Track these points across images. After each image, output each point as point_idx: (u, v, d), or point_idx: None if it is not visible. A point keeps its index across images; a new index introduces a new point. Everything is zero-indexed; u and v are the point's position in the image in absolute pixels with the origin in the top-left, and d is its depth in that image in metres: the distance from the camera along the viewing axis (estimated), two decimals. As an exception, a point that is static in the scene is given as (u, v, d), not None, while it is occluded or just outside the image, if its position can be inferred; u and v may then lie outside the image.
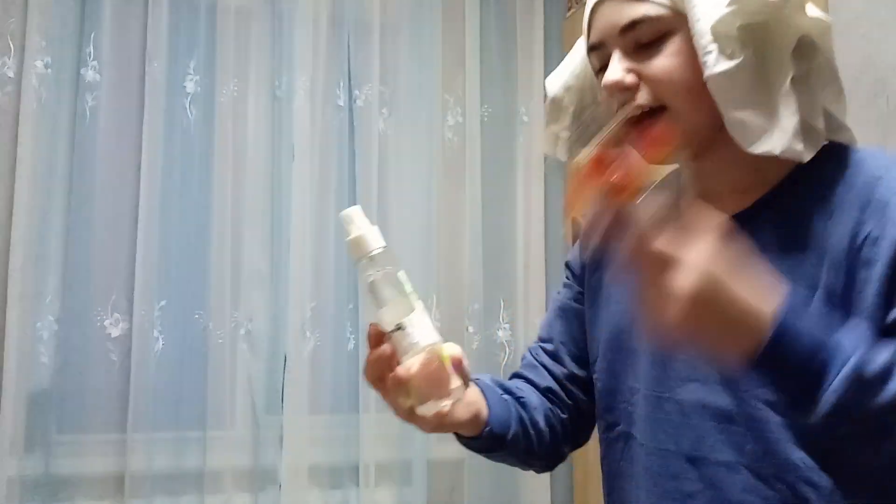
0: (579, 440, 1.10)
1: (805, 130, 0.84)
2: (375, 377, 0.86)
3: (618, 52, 0.87)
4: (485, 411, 0.95)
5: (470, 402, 0.93)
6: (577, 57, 1.00)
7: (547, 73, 1.09)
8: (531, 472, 1.18)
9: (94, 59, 2.21)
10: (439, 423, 0.87)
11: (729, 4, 0.81)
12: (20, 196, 2.09)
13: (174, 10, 2.30)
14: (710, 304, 0.70)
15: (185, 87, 2.30)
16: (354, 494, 2.32)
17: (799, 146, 0.83)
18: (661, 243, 0.70)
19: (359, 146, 2.45)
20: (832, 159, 0.86)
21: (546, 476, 2.49)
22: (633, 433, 0.95)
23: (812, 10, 0.84)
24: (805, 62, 0.86)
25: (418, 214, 2.49)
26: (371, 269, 0.83)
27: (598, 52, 0.90)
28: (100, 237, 2.19)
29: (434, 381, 0.82)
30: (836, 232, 0.81)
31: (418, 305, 0.83)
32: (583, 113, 1.00)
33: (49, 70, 2.16)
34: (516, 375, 1.11)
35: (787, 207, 0.86)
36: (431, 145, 2.53)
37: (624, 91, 0.86)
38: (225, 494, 2.22)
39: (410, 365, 0.81)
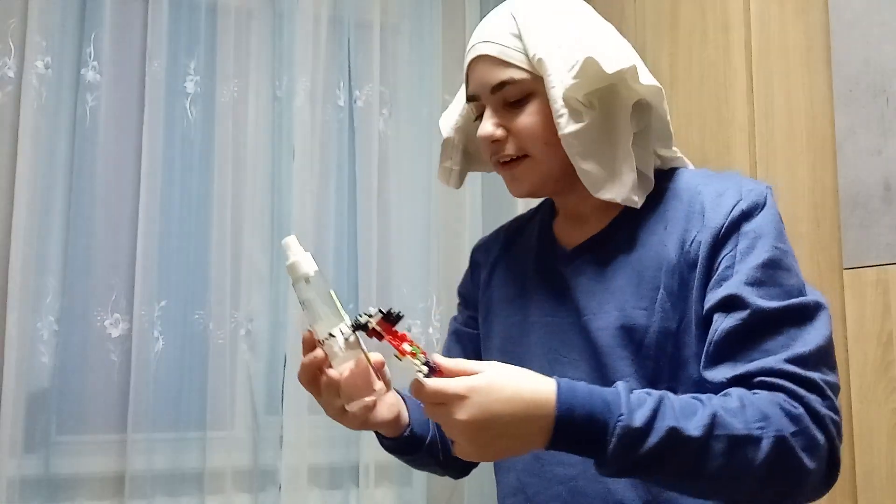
0: (461, 472, 1.23)
1: (640, 180, 1.02)
2: (308, 379, 0.96)
3: (489, 109, 1.03)
4: (405, 414, 1.08)
5: (392, 403, 1.05)
6: (462, 99, 1.13)
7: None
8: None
9: (94, 59, 2.21)
10: (365, 421, 0.99)
11: (574, 77, 0.96)
12: (20, 196, 2.09)
13: (174, 10, 2.30)
14: (487, 421, 0.80)
15: (185, 87, 2.30)
16: (354, 494, 2.32)
17: (634, 196, 1.00)
18: (433, 386, 0.82)
19: (359, 146, 2.45)
20: (665, 180, 1.04)
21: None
22: None
23: (645, 79, 0.99)
24: (643, 119, 1.03)
25: (418, 214, 2.49)
26: (306, 289, 0.94)
27: (475, 103, 1.06)
28: (100, 237, 2.19)
29: (360, 381, 0.96)
30: (671, 240, 0.98)
31: (346, 319, 0.93)
32: (469, 147, 1.15)
33: (49, 70, 2.16)
34: None
35: (635, 224, 1.02)
36: (431, 145, 2.53)
37: (494, 143, 1.02)
38: (225, 495, 2.22)
39: (342, 369, 0.94)
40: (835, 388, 0.89)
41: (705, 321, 0.93)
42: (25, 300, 2.08)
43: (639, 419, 0.80)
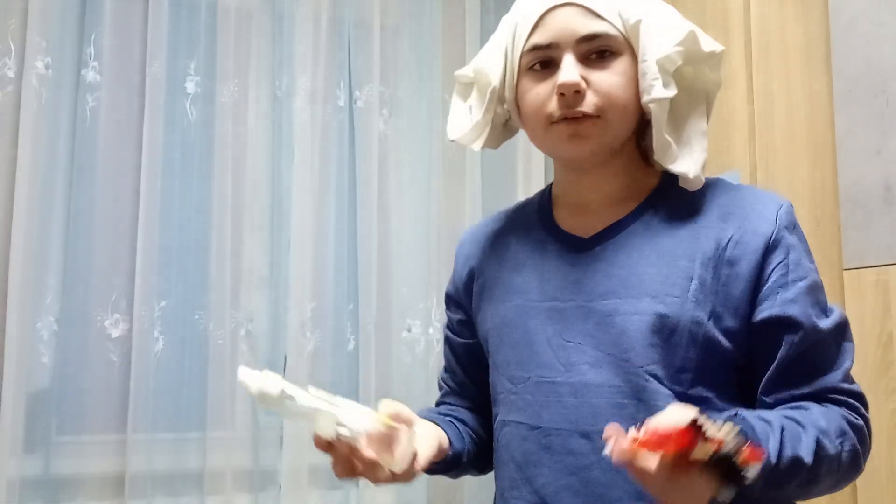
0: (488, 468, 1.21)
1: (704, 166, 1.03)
2: (347, 472, 0.95)
3: (572, 57, 0.98)
4: (443, 435, 1.08)
5: (430, 436, 1.04)
6: (502, 52, 1.07)
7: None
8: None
9: (94, 60, 2.21)
10: (415, 468, 0.98)
11: (677, 45, 0.97)
12: (20, 196, 2.08)
13: (174, 10, 2.30)
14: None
15: (185, 87, 2.30)
16: (354, 495, 2.32)
17: (701, 178, 1.01)
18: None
19: (359, 146, 2.45)
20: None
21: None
22: (516, 420, 1.05)
23: (720, 70, 1.03)
24: (707, 111, 1.04)
25: (418, 214, 2.49)
26: (291, 405, 0.91)
27: (545, 51, 1.00)
28: (100, 237, 2.19)
29: (391, 443, 0.94)
30: (705, 234, 0.98)
31: (339, 402, 0.93)
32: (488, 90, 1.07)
33: (49, 70, 2.16)
34: (441, 403, 1.25)
35: (660, 215, 1.02)
36: (431, 145, 2.53)
37: (574, 94, 0.97)
38: (225, 495, 2.22)
39: (372, 450, 0.92)
40: None
41: (755, 327, 0.96)
42: (25, 300, 2.08)
43: (773, 452, 0.86)
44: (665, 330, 0.95)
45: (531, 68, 1.01)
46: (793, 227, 0.99)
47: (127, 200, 2.23)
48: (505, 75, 1.05)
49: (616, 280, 1.00)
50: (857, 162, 1.56)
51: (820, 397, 0.95)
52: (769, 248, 0.96)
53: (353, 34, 2.49)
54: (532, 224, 1.13)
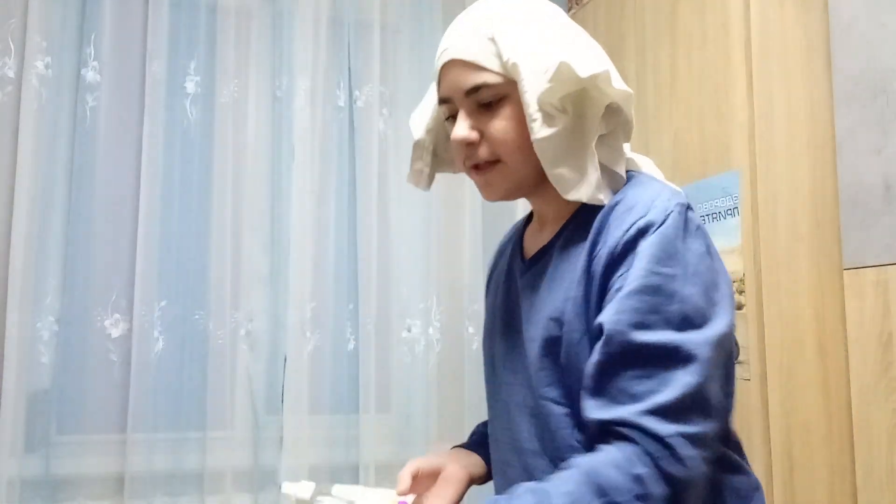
0: None
1: (608, 176, 1.03)
2: None
3: (463, 112, 1.03)
4: (480, 463, 1.18)
5: (476, 463, 1.17)
6: (433, 100, 1.14)
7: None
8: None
9: (94, 60, 2.21)
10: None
11: (549, 81, 0.97)
12: (20, 196, 2.09)
13: (174, 10, 2.30)
14: None
15: (185, 87, 2.30)
16: (354, 495, 2.32)
17: (600, 194, 1.00)
18: None
19: (359, 146, 2.45)
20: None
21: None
22: (490, 420, 1.17)
23: (617, 83, 1.00)
24: (613, 121, 1.03)
25: (418, 214, 2.49)
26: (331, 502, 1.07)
27: (448, 105, 1.06)
28: (100, 237, 2.19)
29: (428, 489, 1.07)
30: (584, 252, 0.99)
31: (358, 491, 1.09)
32: (437, 149, 1.16)
33: (49, 70, 2.16)
34: None
35: (571, 234, 1.04)
36: (431, 145, 2.52)
37: (469, 146, 1.03)
38: (225, 495, 2.22)
39: None
40: (700, 438, 0.87)
41: (591, 342, 0.94)
42: (25, 300, 2.08)
43: None
44: (553, 352, 0.99)
45: (447, 118, 1.08)
46: (650, 231, 0.92)
47: (127, 200, 2.23)
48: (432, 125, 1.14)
49: (528, 306, 1.06)
50: (857, 162, 1.56)
51: (613, 428, 0.88)
52: (614, 260, 0.94)
53: (353, 34, 2.49)
54: (513, 244, 1.21)
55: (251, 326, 2.30)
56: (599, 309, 0.94)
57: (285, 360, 2.30)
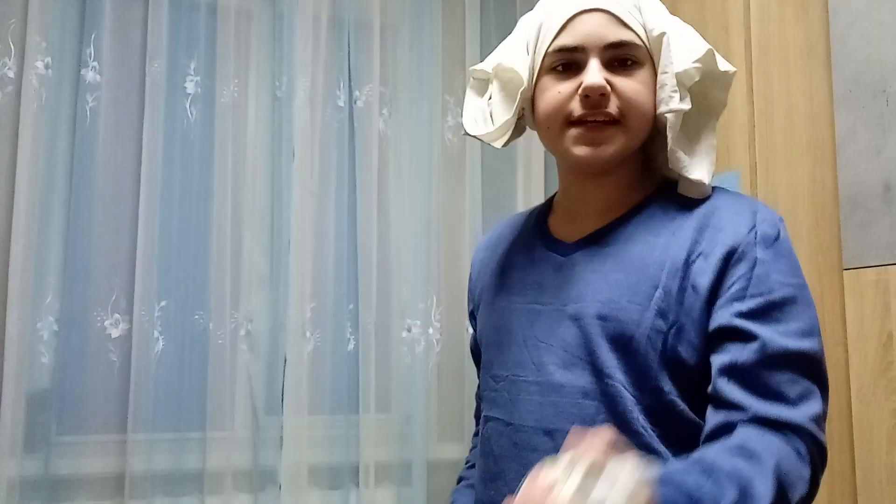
0: None
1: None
2: None
3: (597, 62, 1.00)
4: None
5: None
6: (521, 52, 1.09)
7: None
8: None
9: (94, 60, 2.21)
10: None
11: (696, 61, 1.01)
12: (20, 196, 2.08)
13: (174, 11, 2.30)
14: None
15: (185, 87, 2.30)
16: (354, 495, 2.32)
17: (708, 188, 1.04)
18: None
19: (359, 146, 2.45)
20: (672, 191, 1.07)
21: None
22: (496, 416, 1.09)
23: (728, 92, 1.07)
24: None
25: (418, 214, 2.49)
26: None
27: (570, 54, 1.02)
28: (100, 237, 2.19)
29: None
30: (679, 245, 0.99)
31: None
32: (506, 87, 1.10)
33: (49, 70, 2.16)
34: (477, 416, 1.26)
35: (640, 225, 1.04)
36: (431, 145, 2.53)
37: (600, 96, 0.99)
38: (225, 495, 2.22)
39: None
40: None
41: (710, 339, 0.96)
42: (25, 300, 2.08)
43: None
44: (625, 336, 0.98)
45: (554, 69, 1.03)
46: (769, 242, 0.97)
47: (127, 200, 2.23)
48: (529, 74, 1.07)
49: (587, 285, 1.02)
50: (857, 162, 1.56)
51: (768, 424, 0.90)
52: (732, 262, 0.96)
53: (353, 34, 2.49)
54: (529, 229, 1.17)
55: (251, 326, 2.30)
56: (710, 304, 0.96)
57: (285, 360, 2.30)
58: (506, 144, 1.13)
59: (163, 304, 2.22)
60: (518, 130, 1.14)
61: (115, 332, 2.19)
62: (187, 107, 2.30)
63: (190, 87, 2.30)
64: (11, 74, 2.14)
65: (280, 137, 2.37)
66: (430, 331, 2.48)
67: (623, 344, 0.98)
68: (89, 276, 2.17)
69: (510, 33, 1.16)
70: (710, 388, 0.95)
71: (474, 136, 1.11)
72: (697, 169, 1.03)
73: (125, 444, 2.13)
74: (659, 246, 1.01)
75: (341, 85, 2.47)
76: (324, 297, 2.36)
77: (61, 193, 2.16)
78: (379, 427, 2.34)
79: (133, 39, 2.29)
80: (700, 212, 1.02)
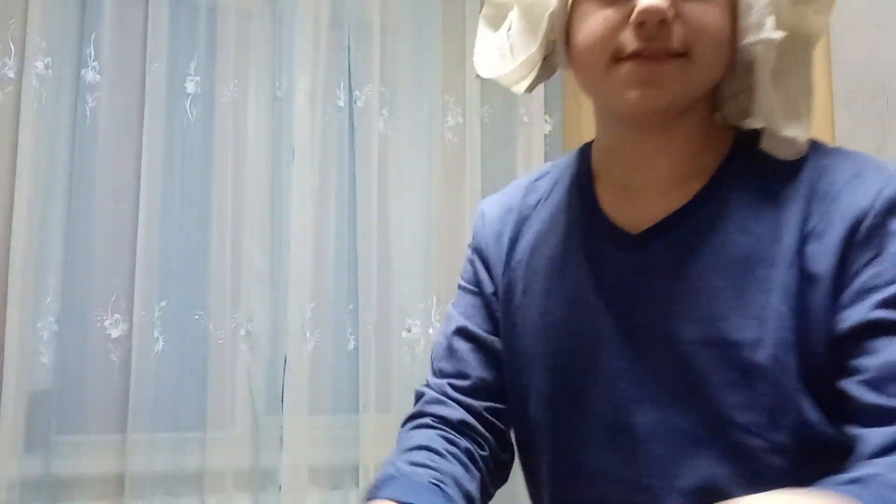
0: (502, 479, 1.00)
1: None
2: None
3: None
4: None
5: None
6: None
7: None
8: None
9: (94, 60, 2.21)
10: None
11: None
12: (20, 196, 2.08)
13: (174, 11, 2.30)
14: None
15: (185, 87, 2.30)
16: (354, 495, 2.32)
17: (805, 146, 0.79)
18: None
19: (359, 147, 2.45)
20: (753, 149, 0.81)
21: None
22: (554, 460, 0.88)
23: (829, 14, 0.81)
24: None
25: (418, 214, 2.49)
26: None
27: None
28: (100, 237, 2.19)
29: None
30: (787, 228, 0.76)
31: None
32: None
33: (49, 70, 2.16)
34: (420, 415, 0.95)
35: (730, 203, 0.79)
36: (431, 145, 2.52)
37: (659, 23, 0.73)
38: (225, 495, 2.22)
39: None
40: None
41: (840, 341, 0.73)
42: (25, 300, 2.08)
43: None
44: (742, 362, 0.74)
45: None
46: None
47: (127, 200, 2.23)
48: None
49: (678, 297, 0.78)
50: (857, 162, 1.56)
51: None
52: (857, 241, 0.73)
53: (353, 34, 2.49)
54: (572, 207, 0.89)
55: (251, 326, 2.30)
56: (833, 298, 0.73)
57: (285, 360, 2.30)
58: (530, 89, 0.86)
59: (163, 304, 2.22)
60: (547, 70, 0.87)
61: (115, 333, 2.19)
62: (187, 107, 2.30)
63: (190, 87, 2.30)
64: (11, 74, 2.14)
65: (280, 137, 2.37)
66: (430, 331, 2.47)
67: (740, 374, 0.74)
68: (89, 276, 2.17)
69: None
70: (858, 399, 0.70)
71: (489, 79, 0.87)
72: (793, 121, 0.78)
73: (125, 444, 2.13)
74: (764, 232, 0.77)
75: (341, 85, 2.47)
76: (324, 298, 2.36)
77: (61, 193, 2.16)
78: (379, 427, 2.34)
79: (133, 39, 2.29)
80: (804, 177, 0.77)
